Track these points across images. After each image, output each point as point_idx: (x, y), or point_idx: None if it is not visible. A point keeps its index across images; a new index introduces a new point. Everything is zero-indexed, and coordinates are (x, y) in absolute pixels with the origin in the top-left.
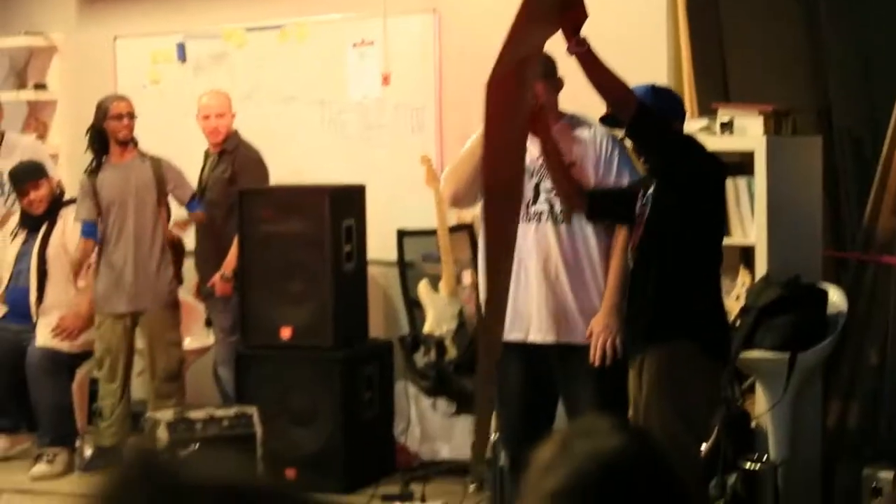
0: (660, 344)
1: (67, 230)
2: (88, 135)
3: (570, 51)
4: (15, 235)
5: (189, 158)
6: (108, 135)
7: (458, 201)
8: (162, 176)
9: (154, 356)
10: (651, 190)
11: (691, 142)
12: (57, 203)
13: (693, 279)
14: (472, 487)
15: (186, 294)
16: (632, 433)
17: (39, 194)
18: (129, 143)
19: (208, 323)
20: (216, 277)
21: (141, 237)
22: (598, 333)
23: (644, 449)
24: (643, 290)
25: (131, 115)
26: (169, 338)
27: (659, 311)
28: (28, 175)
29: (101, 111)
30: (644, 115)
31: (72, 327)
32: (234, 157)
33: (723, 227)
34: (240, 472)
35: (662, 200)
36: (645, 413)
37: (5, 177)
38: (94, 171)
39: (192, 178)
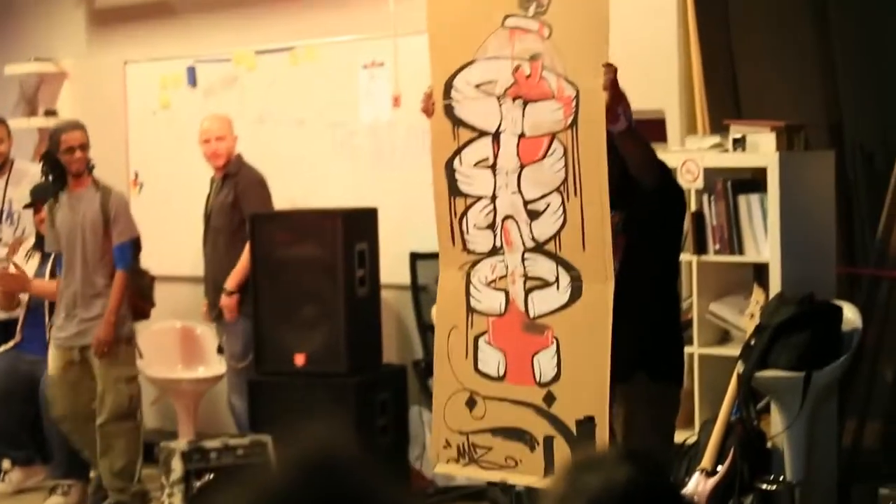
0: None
1: None
2: (42, 163)
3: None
4: (29, 258)
5: (200, 183)
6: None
7: None
8: (108, 208)
9: (103, 394)
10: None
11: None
12: None
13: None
14: None
15: (198, 322)
16: (638, 462)
17: None
18: (83, 173)
19: (220, 350)
20: (222, 299)
21: (87, 270)
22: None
23: (652, 476)
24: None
25: (84, 147)
26: (117, 374)
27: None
28: (39, 194)
29: (54, 142)
30: (668, 183)
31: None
32: (236, 180)
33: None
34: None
35: (641, 230)
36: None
37: (14, 205)
38: (55, 201)
39: (201, 202)
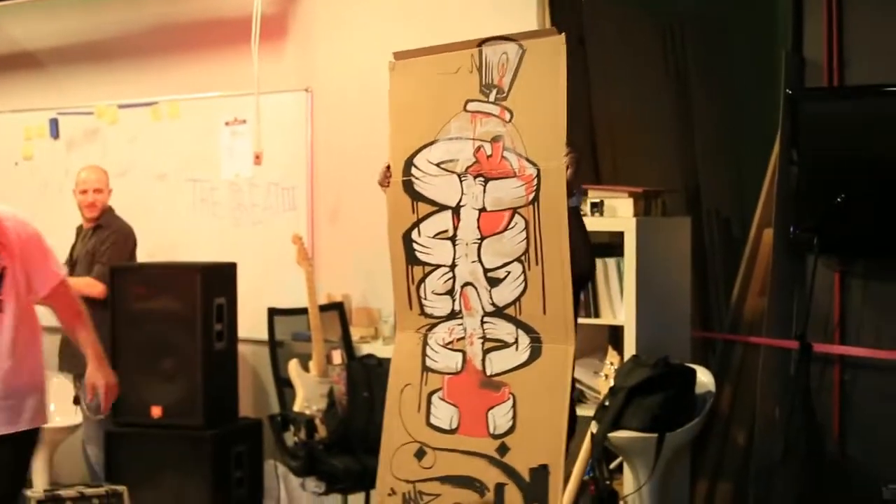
0: None
1: None
2: None
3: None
4: None
5: (62, 234)
6: None
7: None
8: None
9: None
10: None
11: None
12: None
13: None
14: None
15: (53, 372)
16: None
17: None
18: None
19: (76, 401)
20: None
21: None
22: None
23: None
24: None
25: None
26: None
27: None
28: None
29: None
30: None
31: None
32: (106, 232)
33: None
34: None
35: None
36: None
37: None
38: None
39: (64, 252)
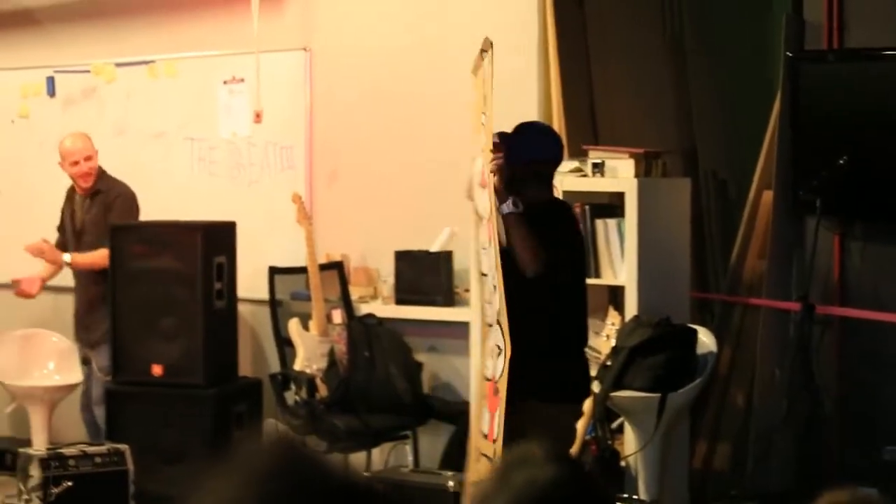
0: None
1: None
2: None
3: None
4: None
5: (60, 192)
6: None
7: None
8: None
9: None
10: None
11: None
12: None
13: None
14: None
15: (54, 330)
16: (564, 462)
17: None
18: None
19: (86, 361)
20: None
21: None
22: None
23: (576, 477)
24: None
25: None
26: None
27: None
28: None
29: None
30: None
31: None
32: (107, 196)
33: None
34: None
35: None
36: None
37: None
38: None
39: (55, 215)
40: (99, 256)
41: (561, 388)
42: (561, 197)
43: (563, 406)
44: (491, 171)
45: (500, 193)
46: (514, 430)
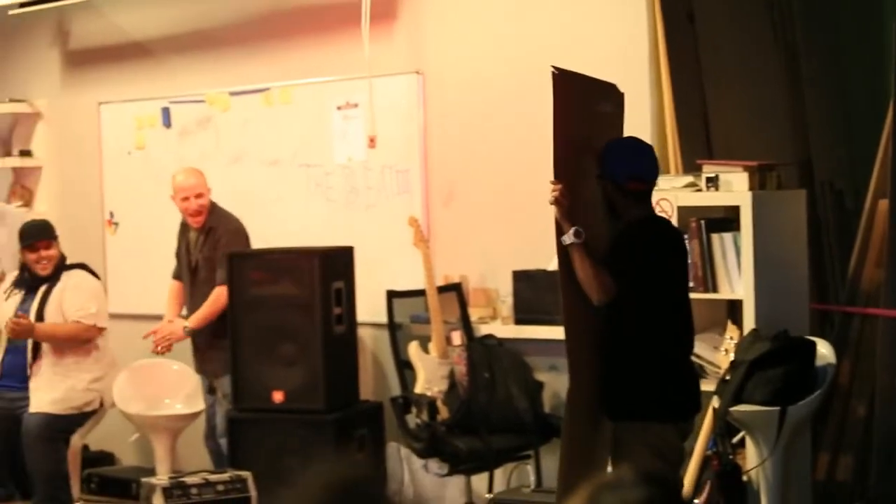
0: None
1: (66, 295)
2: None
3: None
4: (9, 295)
5: (174, 225)
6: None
7: None
8: None
9: None
10: None
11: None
12: (61, 266)
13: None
14: None
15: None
16: (655, 483)
17: (50, 254)
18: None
19: (212, 390)
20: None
21: None
22: None
23: (666, 498)
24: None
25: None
26: None
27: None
28: (41, 233)
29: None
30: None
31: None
32: (218, 232)
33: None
34: None
35: None
36: None
37: None
38: None
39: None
40: (213, 306)
41: (657, 406)
42: (675, 213)
43: (664, 425)
44: (550, 203)
45: (558, 225)
46: (617, 450)
